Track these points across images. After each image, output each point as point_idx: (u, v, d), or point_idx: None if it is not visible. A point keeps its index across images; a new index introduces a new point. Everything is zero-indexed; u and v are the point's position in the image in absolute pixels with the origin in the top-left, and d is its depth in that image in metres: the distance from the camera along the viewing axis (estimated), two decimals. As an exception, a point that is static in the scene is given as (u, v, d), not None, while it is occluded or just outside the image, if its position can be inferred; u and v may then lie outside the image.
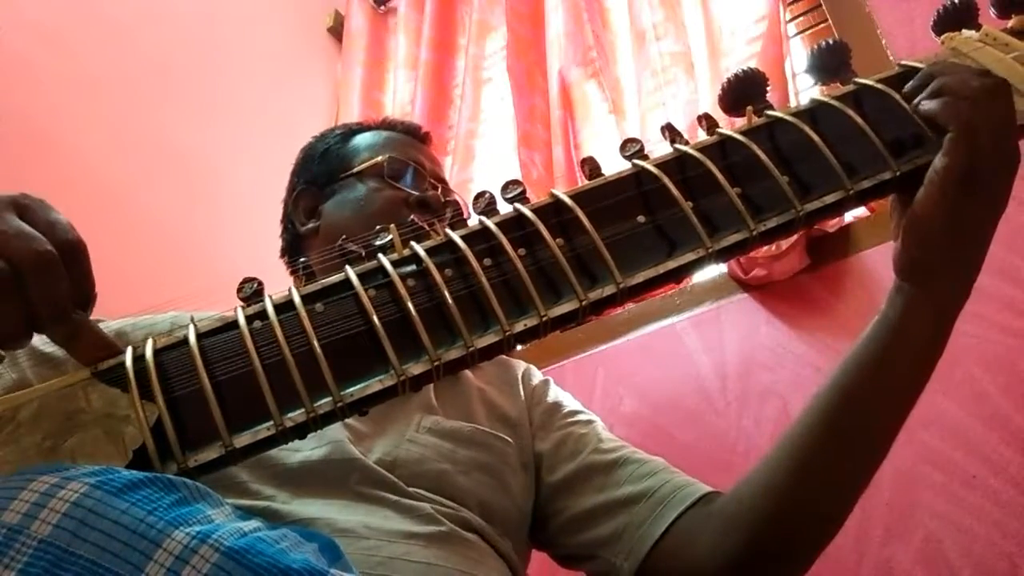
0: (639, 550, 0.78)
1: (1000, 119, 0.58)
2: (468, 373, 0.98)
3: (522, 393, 0.99)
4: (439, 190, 1.07)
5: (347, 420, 0.81)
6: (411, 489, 0.77)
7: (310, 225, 1.06)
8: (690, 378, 1.44)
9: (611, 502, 0.83)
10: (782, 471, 0.71)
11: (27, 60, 1.52)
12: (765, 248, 1.41)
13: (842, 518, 0.71)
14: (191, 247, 1.69)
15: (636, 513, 0.81)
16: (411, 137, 1.14)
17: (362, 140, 1.12)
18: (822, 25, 1.68)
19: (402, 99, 2.15)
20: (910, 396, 0.67)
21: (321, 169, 1.10)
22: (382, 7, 2.42)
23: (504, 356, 1.05)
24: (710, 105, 1.53)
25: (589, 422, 0.95)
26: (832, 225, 1.38)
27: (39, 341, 0.49)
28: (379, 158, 1.06)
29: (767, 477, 0.72)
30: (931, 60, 0.63)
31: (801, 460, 0.70)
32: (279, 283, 0.54)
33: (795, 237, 1.36)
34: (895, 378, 0.67)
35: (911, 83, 0.63)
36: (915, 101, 0.61)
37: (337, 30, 2.49)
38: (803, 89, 1.56)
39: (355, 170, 1.06)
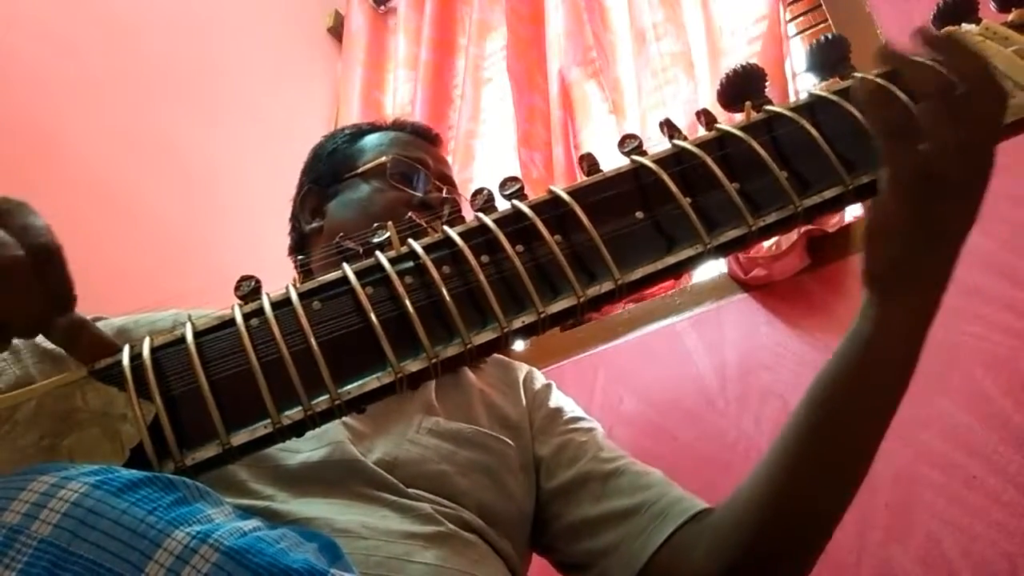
0: (634, 564, 0.78)
1: (961, 127, 0.54)
2: (469, 374, 0.98)
3: (523, 397, 0.98)
4: (444, 191, 1.07)
5: (348, 421, 0.81)
6: (411, 490, 0.77)
7: (314, 224, 1.07)
8: (690, 378, 1.44)
9: (608, 513, 0.83)
10: (764, 488, 0.71)
11: (28, 60, 1.52)
12: (765, 248, 1.41)
13: (828, 531, 0.70)
14: (192, 246, 1.69)
15: (632, 526, 0.81)
16: (419, 138, 1.14)
17: (369, 140, 1.12)
18: (822, 25, 1.68)
19: (402, 99, 2.15)
20: (886, 409, 0.66)
21: (327, 169, 1.11)
22: (382, 7, 2.42)
23: (506, 358, 1.06)
24: (710, 105, 1.53)
25: (590, 430, 0.95)
26: (832, 225, 1.38)
27: (41, 337, 0.48)
28: (383, 158, 1.06)
29: (751, 494, 0.72)
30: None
31: (782, 477, 0.69)
32: (280, 281, 0.54)
33: (795, 237, 1.36)
34: (867, 392, 0.65)
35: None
36: (857, 82, 0.57)
37: (337, 30, 2.49)
38: (803, 89, 1.55)
39: (359, 170, 1.07)
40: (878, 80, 0.57)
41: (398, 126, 1.16)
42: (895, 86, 0.58)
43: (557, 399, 1.00)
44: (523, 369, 1.05)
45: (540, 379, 1.04)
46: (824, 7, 1.64)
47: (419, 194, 1.03)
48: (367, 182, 1.05)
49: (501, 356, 1.07)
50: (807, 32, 1.72)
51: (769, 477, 0.70)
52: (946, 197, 0.56)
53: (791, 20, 1.71)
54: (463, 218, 0.55)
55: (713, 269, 1.53)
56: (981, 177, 0.57)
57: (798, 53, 1.64)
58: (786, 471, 0.69)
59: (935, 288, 0.62)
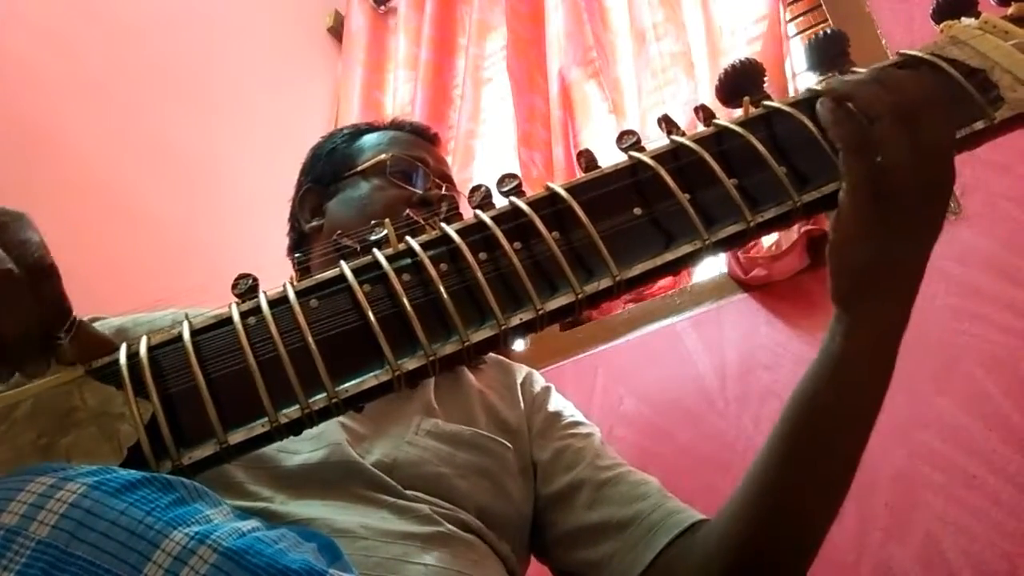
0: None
1: (917, 142, 0.54)
2: (469, 375, 0.98)
3: (521, 400, 0.98)
4: (443, 189, 1.07)
5: (346, 422, 0.81)
6: (409, 491, 0.77)
7: (314, 223, 1.07)
8: (690, 378, 1.44)
9: (602, 523, 0.83)
10: (748, 505, 0.70)
11: (28, 60, 1.52)
12: (765, 248, 1.41)
13: (817, 540, 0.70)
14: (191, 246, 1.69)
15: (626, 538, 0.81)
16: (418, 137, 1.15)
17: (368, 139, 1.12)
18: (822, 25, 1.68)
19: (402, 99, 2.15)
20: (859, 426, 0.66)
21: (327, 168, 1.11)
22: (382, 7, 2.42)
23: (506, 360, 1.05)
24: (710, 105, 1.53)
25: (588, 435, 0.95)
26: (832, 224, 1.38)
27: None
28: (382, 156, 1.06)
29: (736, 511, 0.72)
30: (929, 48, 0.63)
31: (764, 494, 0.69)
32: (280, 281, 0.54)
33: (795, 236, 1.36)
34: (839, 410, 0.65)
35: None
36: (819, 101, 0.57)
37: (337, 30, 2.49)
38: (803, 89, 1.55)
39: (358, 168, 1.07)
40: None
41: (397, 125, 1.16)
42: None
43: (556, 402, 1.00)
44: (522, 371, 1.04)
45: (539, 382, 1.04)
46: (824, 7, 1.64)
47: (419, 192, 1.03)
48: (367, 180, 1.05)
49: (500, 357, 1.07)
50: (807, 32, 1.71)
51: (755, 490, 0.70)
52: (904, 210, 0.56)
53: (791, 20, 1.71)
54: (461, 215, 0.55)
55: (713, 269, 1.53)
56: (939, 190, 0.56)
57: (798, 53, 1.64)
58: (769, 484, 0.69)
59: (900, 300, 0.61)
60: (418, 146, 1.12)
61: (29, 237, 0.46)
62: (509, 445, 0.89)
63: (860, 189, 0.55)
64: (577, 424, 0.96)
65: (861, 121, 0.55)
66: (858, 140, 0.55)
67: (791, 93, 1.50)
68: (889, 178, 0.54)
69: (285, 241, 1.14)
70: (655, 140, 0.59)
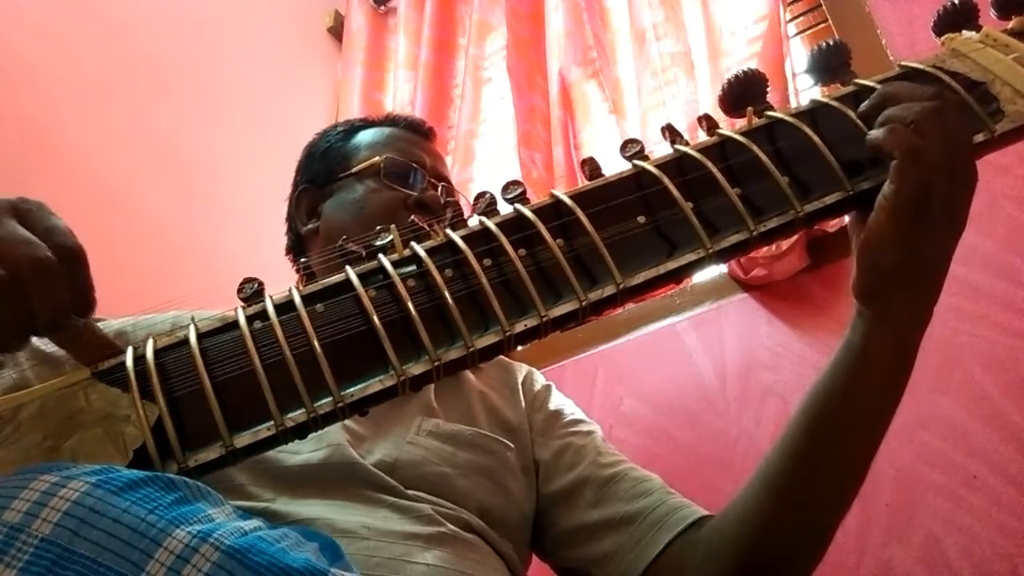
0: (631, 573, 0.78)
1: (948, 142, 0.56)
2: (469, 375, 0.98)
3: (523, 399, 0.98)
4: (440, 189, 1.06)
5: (348, 423, 0.81)
6: (410, 491, 0.77)
7: (311, 225, 1.06)
8: (690, 378, 1.44)
9: (605, 520, 0.83)
10: (758, 502, 0.71)
11: (27, 60, 1.52)
12: (765, 248, 1.41)
13: (825, 539, 0.70)
14: (191, 247, 1.69)
15: (630, 534, 0.81)
16: (414, 133, 1.13)
17: (363, 138, 1.10)
18: (822, 25, 1.68)
19: (402, 99, 2.15)
20: (878, 421, 0.66)
21: (322, 168, 1.09)
22: (382, 7, 2.42)
23: (506, 358, 1.05)
24: (710, 105, 1.53)
25: (589, 432, 0.94)
26: (832, 225, 1.39)
27: (40, 341, 0.48)
28: (377, 158, 1.04)
29: (744, 507, 0.72)
30: (930, 61, 0.63)
31: (775, 490, 0.69)
32: (280, 283, 0.54)
33: (795, 237, 1.36)
34: (860, 403, 0.66)
35: (864, 104, 0.61)
36: (868, 138, 0.59)
37: (337, 30, 2.49)
38: (803, 89, 1.56)
39: (353, 170, 1.05)
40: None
41: (392, 121, 1.14)
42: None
43: (556, 401, 1.00)
44: (522, 370, 1.04)
45: (540, 380, 1.04)
46: (824, 7, 1.64)
47: (415, 193, 1.02)
48: (361, 183, 1.04)
49: (501, 356, 1.06)
50: (807, 32, 1.71)
51: (765, 486, 0.70)
52: (938, 210, 0.57)
53: (791, 20, 1.71)
54: (465, 222, 0.56)
55: (713, 269, 1.53)
56: (967, 188, 0.58)
57: (798, 53, 1.64)
58: (782, 480, 0.69)
59: (926, 297, 0.62)
60: (413, 144, 1.10)
61: (54, 224, 0.47)
62: (511, 444, 0.89)
63: (907, 193, 0.56)
64: (578, 422, 0.96)
65: (908, 129, 0.56)
66: (912, 145, 0.55)
67: (791, 93, 1.52)
68: (929, 177, 0.55)
69: (284, 241, 1.13)
70: (656, 142, 0.60)
